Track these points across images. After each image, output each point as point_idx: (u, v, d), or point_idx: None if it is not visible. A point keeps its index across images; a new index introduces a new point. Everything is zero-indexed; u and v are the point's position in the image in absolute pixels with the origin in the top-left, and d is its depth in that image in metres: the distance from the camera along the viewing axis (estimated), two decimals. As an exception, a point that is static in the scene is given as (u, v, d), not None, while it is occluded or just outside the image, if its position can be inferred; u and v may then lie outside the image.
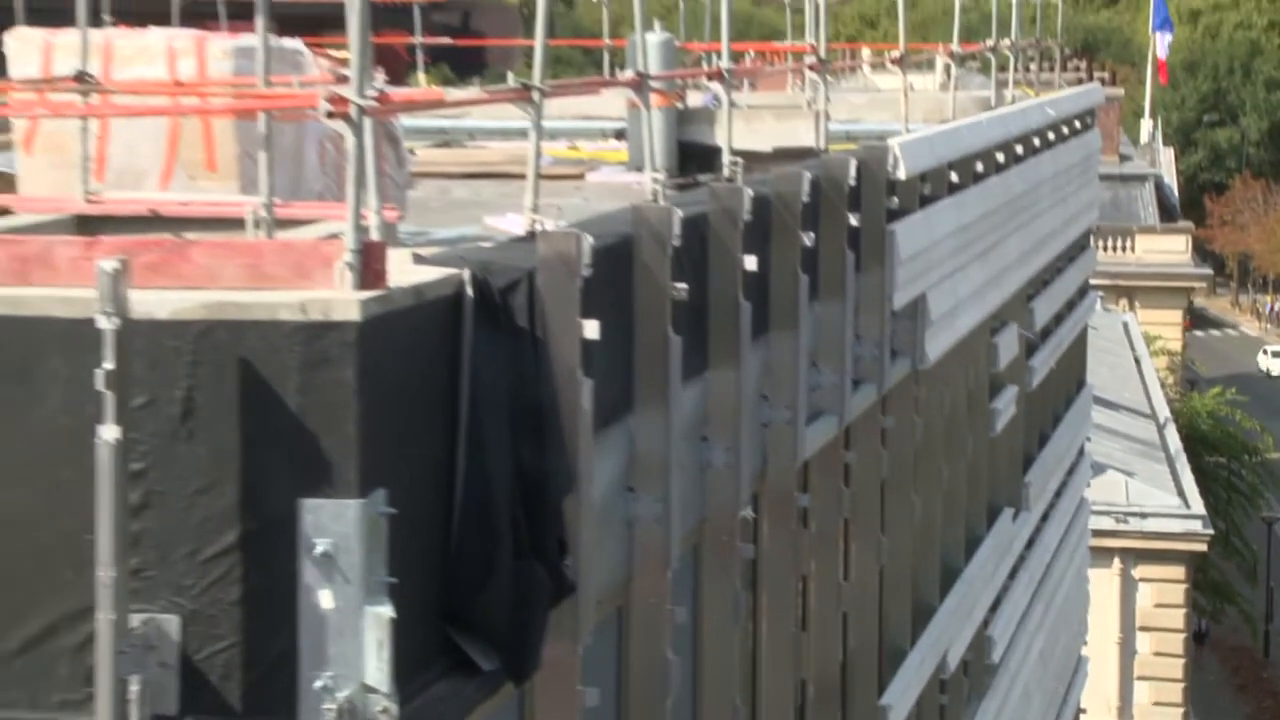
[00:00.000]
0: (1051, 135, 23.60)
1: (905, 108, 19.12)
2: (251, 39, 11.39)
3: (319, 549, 6.90)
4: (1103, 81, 40.04)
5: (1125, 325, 57.85)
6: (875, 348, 14.34)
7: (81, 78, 10.88)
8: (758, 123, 16.89)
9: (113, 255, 6.88)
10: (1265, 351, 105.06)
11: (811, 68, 16.74)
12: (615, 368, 9.32)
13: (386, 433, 7.24)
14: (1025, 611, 23.02)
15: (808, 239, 12.52)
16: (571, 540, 8.24)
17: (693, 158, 16.15)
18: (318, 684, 6.76)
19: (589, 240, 8.32)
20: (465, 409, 7.92)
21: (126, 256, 6.89)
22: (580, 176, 16.74)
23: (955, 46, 21.48)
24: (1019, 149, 20.81)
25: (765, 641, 13.01)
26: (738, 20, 13.32)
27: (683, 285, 9.80)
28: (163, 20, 16.63)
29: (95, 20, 11.34)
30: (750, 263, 11.17)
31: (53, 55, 11.56)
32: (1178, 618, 42.25)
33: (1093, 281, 33.91)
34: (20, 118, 11.82)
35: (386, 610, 6.97)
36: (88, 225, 10.92)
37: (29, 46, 11.76)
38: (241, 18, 16.15)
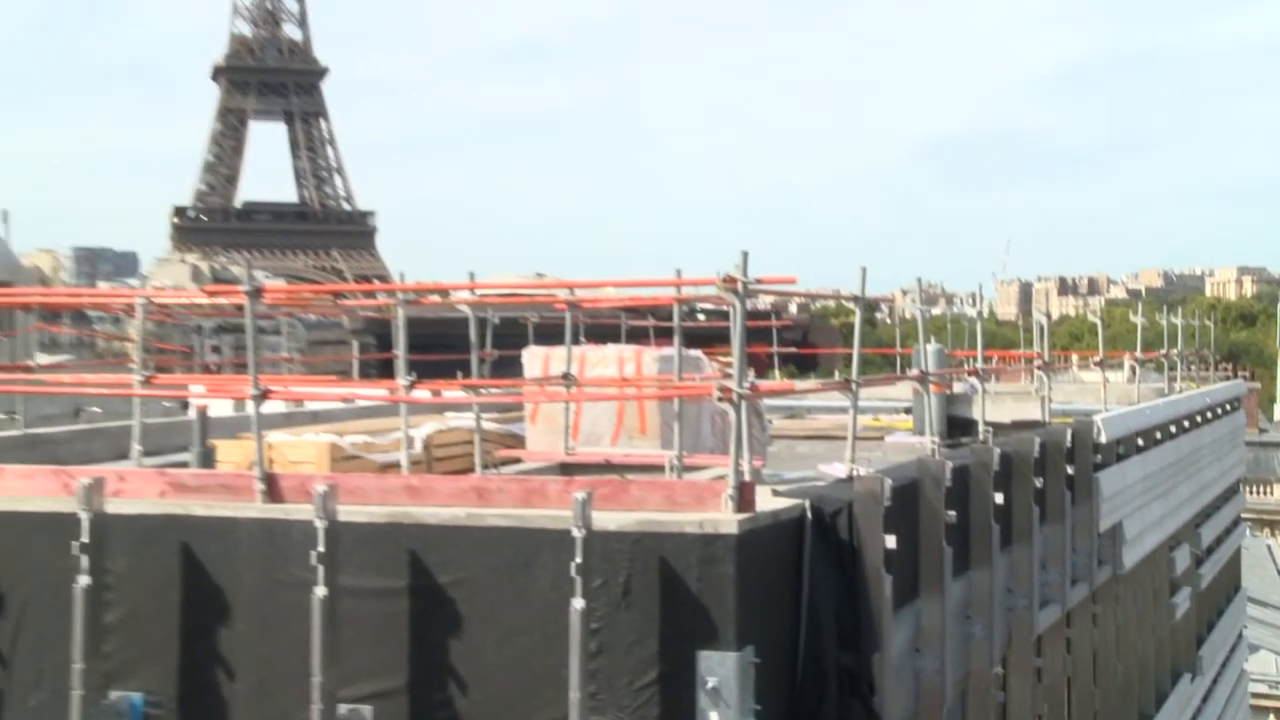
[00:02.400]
0: (1209, 414, 22.35)
1: (1104, 394, 18.51)
2: (669, 351, 11.69)
3: (709, 684, 6.84)
4: (1244, 378, 37.76)
5: (1269, 547, 53.57)
6: (1086, 557, 13.71)
7: (566, 376, 11.30)
8: (1001, 403, 16.49)
9: (582, 489, 7.07)
10: None
11: (1038, 367, 16.39)
12: (906, 567, 9.05)
13: (754, 607, 7.16)
14: (1201, 751, 21.21)
15: (1038, 482, 12.10)
16: (877, 684, 7.95)
17: (958, 427, 15.79)
18: (707, 776, 6.67)
19: (889, 482, 8.19)
20: (806, 593, 7.80)
21: (591, 490, 7.07)
22: (881, 438, 16.53)
23: (1138, 354, 20.82)
24: (1186, 423, 19.75)
25: (1012, 762, 12.27)
26: (986, 335, 13.32)
27: (952, 512, 9.54)
28: (615, 339, 17.25)
29: (575, 340, 11.81)
30: (998, 498, 10.85)
31: (550, 363, 12.04)
32: (1320, 761, 38.28)
33: (1242, 516, 31.69)
34: (529, 402, 12.28)
35: (754, 728, 6.85)
36: (567, 469, 11.23)
37: (535, 358, 12.28)
38: (663, 336, 16.61)
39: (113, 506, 7.77)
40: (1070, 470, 13.21)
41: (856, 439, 9.81)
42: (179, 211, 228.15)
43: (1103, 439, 14.26)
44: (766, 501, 7.70)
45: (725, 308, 8.10)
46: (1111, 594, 15.55)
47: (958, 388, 18.06)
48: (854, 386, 9.55)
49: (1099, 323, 20.58)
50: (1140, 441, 16.64)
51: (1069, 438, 13.21)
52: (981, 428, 12.50)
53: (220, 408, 13.09)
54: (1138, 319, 21.05)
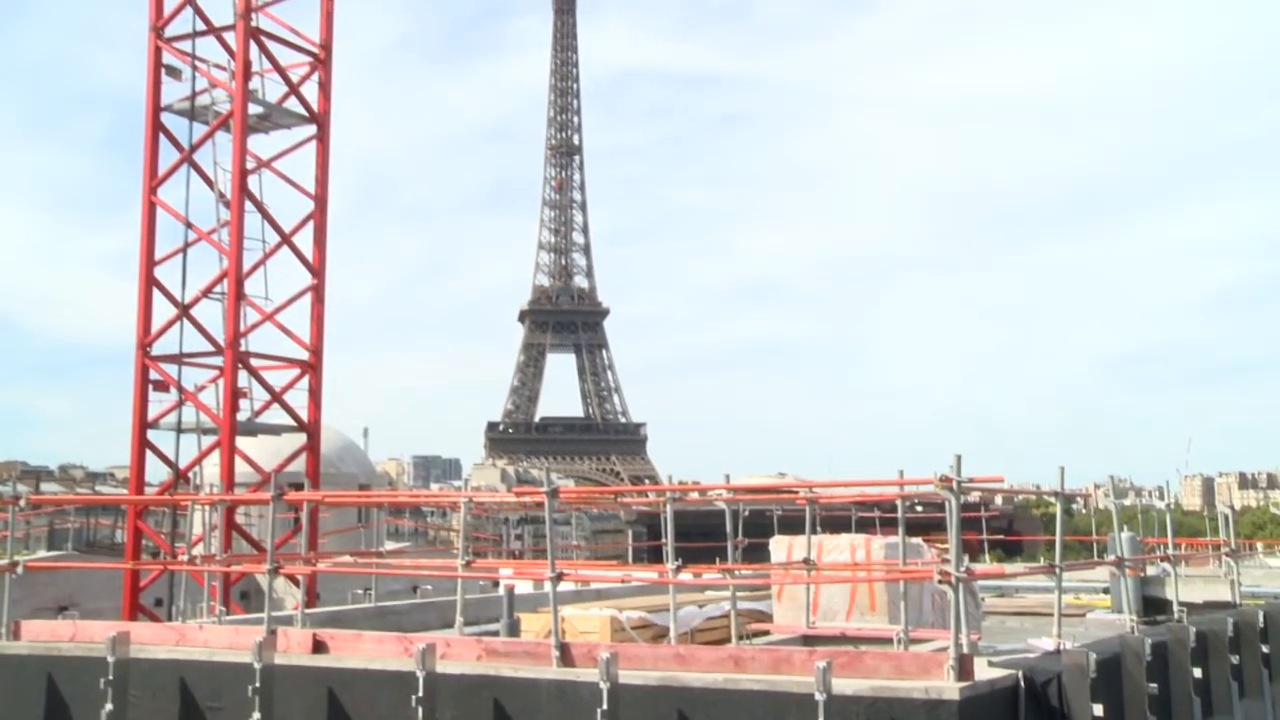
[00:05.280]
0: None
1: (1298, 578, 16.84)
2: (894, 539, 11.40)
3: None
4: None
5: None
6: (1294, 730, 12.22)
7: (806, 561, 11.15)
8: (1192, 585, 15.21)
9: (823, 659, 6.91)
10: None
11: (1226, 553, 15.14)
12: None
13: (979, 768, 6.75)
14: None
15: (1233, 659, 11.01)
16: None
17: (1153, 606, 14.62)
18: None
19: (1094, 655, 7.67)
20: (1025, 756, 7.29)
21: (830, 659, 6.91)
22: (1083, 615, 15.48)
23: (1328, 539, 18.91)
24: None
25: None
26: (1174, 523, 12.56)
27: (1153, 684, 8.79)
28: (847, 529, 16.91)
29: (813, 530, 11.66)
30: (1196, 673, 9.93)
31: (792, 549, 11.92)
32: None
33: None
34: (775, 583, 12.14)
35: None
36: (809, 641, 10.96)
37: (780, 545, 12.19)
38: (888, 526, 16.18)
39: (441, 667, 8.06)
40: (1265, 649, 12.00)
41: (1062, 616, 9.25)
42: (491, 426, 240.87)
43: (1300, 617, 12.89)
44: (983, 671, 7.34)
45: (942, 501, 7.92)
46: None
47: (1151, 571, 16.80)
48: (1058, 570, 9.08)
49: (1285, 512, 18.89)
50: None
51: (1260, 618, 12.05)
52: (1175, 607, 11.56)
53: (523, 586, 13.47)
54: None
